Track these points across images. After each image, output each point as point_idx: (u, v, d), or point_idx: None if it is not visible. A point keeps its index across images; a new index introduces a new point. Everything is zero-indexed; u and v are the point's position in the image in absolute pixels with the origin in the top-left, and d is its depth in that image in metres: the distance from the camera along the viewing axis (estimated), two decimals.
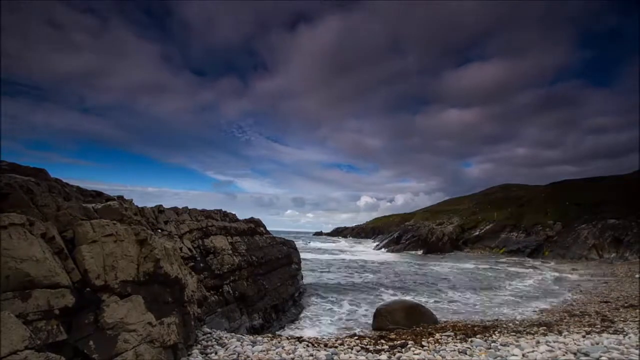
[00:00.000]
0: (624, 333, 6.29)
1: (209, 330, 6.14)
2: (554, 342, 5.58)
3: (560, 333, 6.64)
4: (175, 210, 9.80)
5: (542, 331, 7.06)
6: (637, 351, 4.71)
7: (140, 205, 7.97)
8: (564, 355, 4.77)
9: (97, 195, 7.23)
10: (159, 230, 8.01)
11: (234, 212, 13.56)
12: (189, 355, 4.66)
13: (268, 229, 16.03)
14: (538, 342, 5.58)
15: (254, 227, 13.84)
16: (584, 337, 5.98)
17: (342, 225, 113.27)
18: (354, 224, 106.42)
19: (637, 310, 9.88)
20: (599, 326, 7.63)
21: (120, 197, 7.93)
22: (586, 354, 4.70)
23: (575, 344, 5.40)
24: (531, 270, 27.12)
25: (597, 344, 5.31)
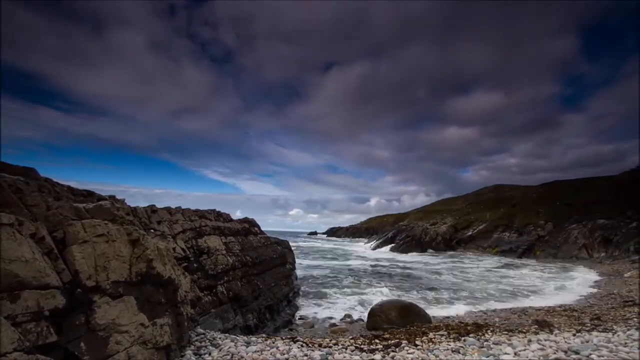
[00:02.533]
0: (613, 331, 6.40)
1: (202, 331, 6.09)
2: (545, 340, 5.65)
3: (551, 331, 6.73)
4: (168, 210, 9.70)
5: (534, 330, 7.15)
6: (625, 349, 4.80)
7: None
8: (555, 353, 4.83)
9: (89, 195, 7.11)
10: (152, 230, 7.93)
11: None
12: (182, 356, 4.62)
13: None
14: (530, 341, 5.64)
15: (248, 227, 13.78)
16: (574, 335, 6.06)
17: (343, 225, 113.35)
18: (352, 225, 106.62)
19: (625, 309, 10.07)
20: (588, 324, 7.75)
21: (112, 197, 7.82)
22: (576, 352, 4.77)
23: (565, 342, 5.47)
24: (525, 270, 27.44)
25: (587, 342, 5.39)
